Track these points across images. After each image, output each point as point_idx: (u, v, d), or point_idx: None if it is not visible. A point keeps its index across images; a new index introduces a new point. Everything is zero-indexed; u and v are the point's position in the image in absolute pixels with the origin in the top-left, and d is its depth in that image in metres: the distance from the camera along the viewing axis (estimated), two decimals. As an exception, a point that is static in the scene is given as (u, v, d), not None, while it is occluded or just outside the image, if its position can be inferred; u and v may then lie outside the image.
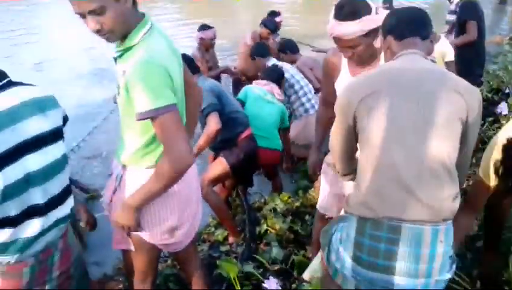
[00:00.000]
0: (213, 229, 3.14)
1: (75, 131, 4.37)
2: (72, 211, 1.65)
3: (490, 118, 4.43)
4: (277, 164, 3.68)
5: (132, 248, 1.79)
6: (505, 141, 1.65)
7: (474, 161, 3.65)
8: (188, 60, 2.83)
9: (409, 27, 1.62)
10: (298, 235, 2.82)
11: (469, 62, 3.78)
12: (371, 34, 1.84)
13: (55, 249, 1.61)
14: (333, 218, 2.05)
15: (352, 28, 1.80)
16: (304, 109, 4.09)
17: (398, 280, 1.46)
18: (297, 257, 2.51)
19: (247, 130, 3.20)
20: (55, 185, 1.55)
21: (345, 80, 2.03)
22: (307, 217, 2.98)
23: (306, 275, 2.30)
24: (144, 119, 1.49)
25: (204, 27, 4.92)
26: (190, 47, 5.30)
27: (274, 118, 3.54)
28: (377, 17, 1.82)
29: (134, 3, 1.55)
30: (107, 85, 6.38)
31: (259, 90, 3.58)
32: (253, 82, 3.79)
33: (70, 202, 1.63)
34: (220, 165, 3.08)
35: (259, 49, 4.48)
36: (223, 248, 2.89)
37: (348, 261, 1.54)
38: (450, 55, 3.57)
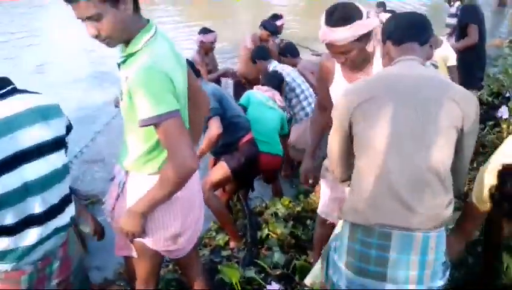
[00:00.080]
0: (214, 233, 3.14)
1: (74, 133, 4.36)
2: (72, 220, 1.65)
3: (490, 121, 4.43)
4: (277, 169, 3.68)
5: (134, 254, 1.79)
6: (499, 167, 1.64)
7: (475, 164, 3.68)
8: (188, 64, 2.83)
9: (407, 32, 1.61)
10: (299, 240, 2.82)
11: (470, 66, 3.78)
12: (363, 38, 1.84)
13: (54, 258, 1.60)
14: (334, 223, 2.05)
15: (344, 34, 1.80)
16: (305, 113, 4.09)
17: (389, 286, 1.46)
18: (299, 262, 2.51)
19: (249, 135, 3.21)
20: (54, 194, 1.54)
21: (339, 84, 2.04)
22: (308, 221, 2.98)
23: (308, 281, 2.30)
24: (146, 125, 1.49)
25: (205, 30, 4.91)
26: (190, 49, 5.30)
27: (276, 124, 3.57)
28: (368, 21, 1.83)
29: (137, 9, 1.55)
30: (107, 88, 6.39)
31: (262, 95, 3.60)
32: (254, 87, 3.80)
33: (70, 211, 1.63)
34: (221, 170, 3.08)
35: (260, 52, 4.48)
36: (225, 253, 2.89)
37: (342, 269, 1.54)
38: (452, 60, 3.57)
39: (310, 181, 2.31)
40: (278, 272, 2.50)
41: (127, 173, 1.70)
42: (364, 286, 1.50)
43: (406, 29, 1.62)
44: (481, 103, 4.82)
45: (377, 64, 1.98)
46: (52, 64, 7.75)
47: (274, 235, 2.88)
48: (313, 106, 4.11)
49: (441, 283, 1.50)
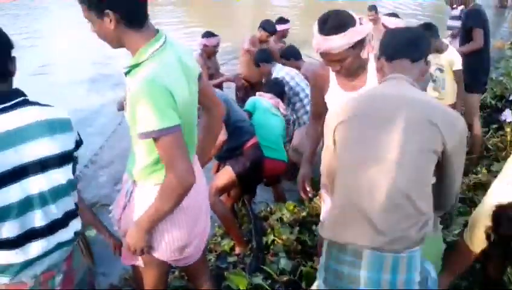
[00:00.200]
0: (219, 239, 3.13)
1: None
2: (76, 235, 1.64)
3: (494, 125, 4.45)
4: (281, 175, 3.67)
5: (141, 263, 1.78)
6: (494, 208, 1.65)
7: (479, 168, 3.68)
8: None
9: (399, 49, 1.62)
10: (306, 246, 2.82)
11: (474, 70, 3.78)
12: (357, 45, 1.84)
13: (58, 271, 1.60)
14: None
15: (339, 42, 1.79)
16: (308, 117, 4.08)
17: None
18: (305, 268, 2.51)
19: (253, 139, 3.21)
20: (58, 209, 1.53)
21: (335, 92, 2.04)
22: (313, 227, 2.97)
23: (315, 287, 2.30)
24: (145, 139, 1.50)
25: (208, 34, 4.90)
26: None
27: (280, 130, 3.60)
28: (361, 28, 1.83)
29: (135, 26, 1.53)
30: (107, 90, 6.38)
31: (267, 102, 3.62)
32: (257, 94, 3.80)
33: (74, 226, 1.62)
34: (226, 174, 3.08)
35: (263, 56, 4.47)
36: (231, 259, 2.88)
37: (322, 286, 1.57)
38: (458, 64, 3.57)
39: (308, 189, 2.28)
40: (285, 278, 2.50)
41: (134, 182, 1.70)
42: None
43: (397, 46, 1.63)
44: (484, 106, 4.83)
45: (371, 71, 1.98)
46: (54, 66, 7.74)
47: (280, 241, 2.88)
48: (317, 109, 4.10)
49: None
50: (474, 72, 3.77)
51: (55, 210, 1.52)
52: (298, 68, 4.43)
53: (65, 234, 1.58)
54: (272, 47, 5.29)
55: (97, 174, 4.15)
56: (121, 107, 3.27)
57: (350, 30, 1.80)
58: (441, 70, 3.68)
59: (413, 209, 1.45)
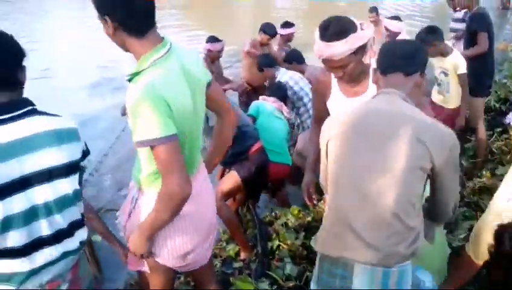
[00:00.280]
0: (224, 244, 3.13)
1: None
2: (82, 245, 1.64)
3: (498, 128, 4.43)
4: (285, 178, 3.67)
5: (147, 269, 1.79)
6: (496, 227, 1.67)
7: (484, 172, 3.67)
8: None
9: (392, 63, 1.62)
10: (311, 251, 2.80)
11: (479, 74, 3.77)
12: (359, 51, 1.84)
13: (63, 281, 1.60)
14: None
15: (341, 48, 1.79)
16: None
17: None
18: (311, 274, 2.49)
19: (258, 143, 3.21)
20: (64, 219, 1.54)
21: (337, 99, 2.05)
22: (319, 232, 2.96)
23: (321, 293, 2.30)
24: (141, 147, 1.50)
25: (213, 39, 4.88)
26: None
27: (285, 134, 3.60)
28: (362, 33, 1.83)
29: (135, 33, 1.54)
30: (109, 94, 6.38)
31: (270, 106, 3.63)
32: (260, 98, 3.80)
33: (80, 236, 1.63)
34: (232, 179, 3.08)
35: (266, 60, 4.47)
36: (236, 264, 2.88)
37: None
38: (463, 68, 3.56)
39: (313, 197, 2.28)
40: (291, 284, 2.50)
41: (139, 189, 1.71)
42: None
43: (391, 60, 1.63)
44: (488, 109, 4.83)
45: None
46: (56, 70, 7.75)
47: (285, 246, 2.87)
48: (320, 114, 4.10)
49: None
50: (479, 76, 3.76)
51: (61, 220, 1.52)
52: (302, 72, 4.43)
53: (71, 244, 1.58)
54: (273, 51, 5.30)
55: (101, 180, 4.15)
56: (125, 112, 3.28)
57: (352, 36, 1.79)
58: (446, 74, 3.67)
59: (402, 225, 1.47)
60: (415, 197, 1.48)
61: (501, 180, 1.90)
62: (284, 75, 4.17)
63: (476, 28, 3.83)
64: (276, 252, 2.90)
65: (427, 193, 1.64)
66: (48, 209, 1.49)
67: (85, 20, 11.00)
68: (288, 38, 5.48)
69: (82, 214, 1.64)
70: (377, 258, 1.47)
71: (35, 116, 1.49)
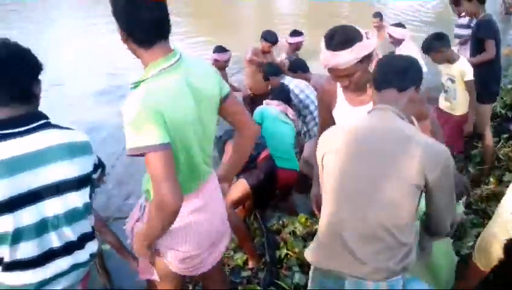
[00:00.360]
0: (232, 252, 3.13)
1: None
2: (92, 257, 1.66)
3: (505, 134, 4.42)
4: (293, 184, 3.67)
5: (156, 277, 1.80)
6: (505, 241, 1.71)
7: (491, 179, 3.66)
8: None
9: (385, 79, 1.63)
10: (319, 260, 2.81)
11: (485, 81, 3.76)
12: (365, 60, 1.85)
13: None
14: None
15: (347, 57, 1.80)
16: (318, 129, 4.09)
17: None
18: (320, 283, 2.50)
19: (265, 151, 3.23)
20: (73, 231, 1.55)
21: (343, 108, 2.05)
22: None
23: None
24: (131, 155, 1.51)
25: (220, 49, 4.88)
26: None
27: (291, 139, 3.59)
28: (368, 42, 1.84)
29: (143, 44, 1.58)
30: (119, 102, 6.39)
31: (275, 110, 3.60)
32: (264, 102, 3.78)
33: (90, 248, 1.64)
34: (241, 187, 3.09)
35: (271, 69, 4.48)
36: (244, 273, 2.87)
37: None
38: (470, 75, 3.56)
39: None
40: (300, 293, 2.50)
41: (147, 197, 1.73)
42: None
43: (385, 76, 1.64)
44: (494, 115, 4.81)
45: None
46: (64, 78, 7.78)
47: (293, 255, 2.87)
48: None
49: None
50: (486, 82, 3.76)
51: (70, 233, 1.54)
52: (307, 80, 4.44)
53: (81, 256, 1.60)
54: (274, 58, 5.32)
55: (109, 189, 4.16)
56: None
57: (357, 45, 1.80)
58: (452, 81, 3.67)
59: (393, 241, 1.48)
60: (407, 213, 1.50)
61: (508, 187, 1.91)
62: (290, 84, 4.17)
63: (483, 35, 3.82)
64: (284, 260, 2.90)
65: (423, 207, 1.65)
66: (58, 222, 1.50)
67: (91, 29, 11.11)
68: (296, 46, 5.47)
69: (92, 227, 1.66)
70: (365, 272, 1.49)
71: (49, 129, 1.51)
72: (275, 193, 3.52)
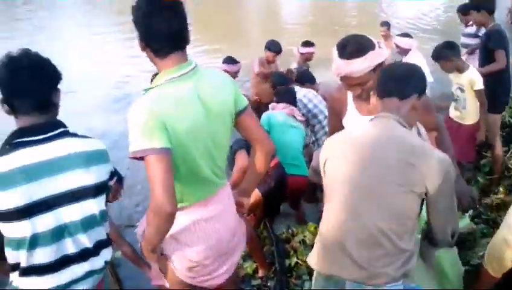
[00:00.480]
0: (241, 261, 3.13)
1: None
2: (107, 264, 1.68)
3: (514, 144, 4.41)
4: (303, 191, 3.65)
5: (166, 284, 1.81)
6: None
7: (500, 188, 3.64)
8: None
9: (387, 87, 1.65)
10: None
11: (494, 91, 3.76)
12: (378, 68, 1.87)
13: None
14: None
15: (361, 65, 1.82)
16: (327, 138, 4.09)
17: None
18: (330, 292, 2.49)
19: (274, 159, 3.23)
20: (89, 238, 1.57)
21: (353, 116, 2.07)
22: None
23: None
24: (133, 158, 1.54)
25: (230, 60, 4.87)
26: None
27: (299, 144, 3.57)
28: (381, 51, 1.86)
29: (158, 54, 1.62)
30: (121, 109, 6.43)
31: (281, 116, 3.56)
32: (270, 106, 3.77)
33: (105, 255, 1.66)
34: (253, 195, 3.08)
35: (279, 79, 4.50)
36: (254, 282, 2.88)
37: None
38: (480, 84, 3.56)
39: None
40: (310, 302, 2.49)
41: None
42: None
43: (386, 85, 1.66)
44: (503, 125, 4.79)
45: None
46: (73, 85, 7.84)
47: (303, 263, 2.87)
48: (335, 130, 4.09)
49: None
50: (495, 92, 3.75)
51: (86, 240, 1.56)
52: (315, 91, 4.44)
53: (96, 263, 1.61)
54: (277, 67, 5.36)
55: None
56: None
57: (371, 53, 1.83)
58: (462, 90, 3.67)
59: (393, 247, 1.50)
60: (407, 220, 1.51)
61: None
62: (298, 93, 4.19)
63: (493, 45, 3.82)
64: (294, 269, 2.90)
65: (424, 217, 1.67)
66: (74, 229, 1.53)
67: (97, 38, 11.20)
68: (306, 57, 5.50)
69: (107, 234, 1.68)
70: (365, 277, 1.51)
71: (67, 137, 1.54)
72: (285, 200, 3.52)
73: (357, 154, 1.56)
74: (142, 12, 1.59)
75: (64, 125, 1.57)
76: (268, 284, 2.83)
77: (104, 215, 1.62)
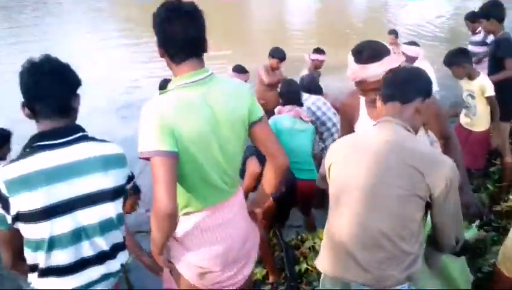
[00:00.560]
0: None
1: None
2: (123, 267, 1.69)
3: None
4: (314, 196, 3.63)
5: (176, 287, 1.81)
6: None
7: (510, 196, 3.64)
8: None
9: (390, 92, 1.67)
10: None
11: (504, 98, 3.76)
12: None
13: None
14: None
15: (377, 70, 1.85)
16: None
17: None
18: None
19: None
20: (106, 241, 1.59)
21: (364, 122, 2.08)
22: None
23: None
24: (141, 159, 1.57)
25: (239, 70, 4.81)
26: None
27: (308, 148, 3.54)
28: (395, 56, 1.88)
29: (174, 60, 1.65)
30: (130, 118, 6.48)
31: (288, 120, 3.51)
32: (276, 110, 3.72)
33: (121, 258, 1.67)
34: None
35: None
36: (265, 288, 2.88)
37: None
38: (490, 90, 3.56)
39: None
40: (321, 308, 2.48)
41: None
42: None
43: (389, 90, 1.68)
44: (512, 133, 4.79)
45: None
46: (86, 89, 7.88)
47: (313, 270, 2.87)
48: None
49: None
50: (504, 100, 3.75)
51: (103, 242, 1.57)
52: None
53: (113, 266, 1.63)
54: (282, 74, 5.38)
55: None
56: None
57: (386, 58, 1.86)
58: (473, 97, 3.67)
59: (396, 249, 1.51)
60: (411, 223, 1.52)
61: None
62: (307, 101, 4.19)
63: (503, 53, 3.81)
64: (304, 275, 2.90)
65: (430, 223, 1.67)
66: (92, 231, 1.54)
67: (103, 43, 11.28)
68: (316, 64, 5.48)
69: (123, 237, 1.69)
70: (369, 279, 1.52)
71: (86, 142, 1.56)
72: (296, 205, 3.51)
73: (360, 158, 1.58)
74: (161, 19, 1.61)
75: (83, 130, 1.60)
76: (279, 290, 2.83)
77: (121, 219, 1.64)
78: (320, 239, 3.18)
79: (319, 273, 2.81)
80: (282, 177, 1.85)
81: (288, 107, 3.61)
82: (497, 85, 3.68)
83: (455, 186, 1.53)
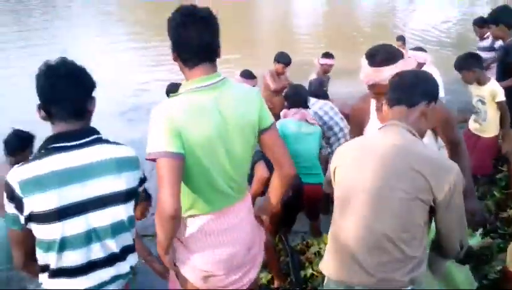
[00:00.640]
0: (257, 271, 3.14)
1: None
2: (132, 269, 1.70)
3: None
4: (320, 200, 3.63)
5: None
6: None
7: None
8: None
9: (396, 96, 1.67)
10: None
11: (511, 105, 3.74)
12: None
13: None
14: None
15: (391, 73, 1.85)
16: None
17: None
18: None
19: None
20: (116, 243, 1.60)
21: (374, 126, 2.08)
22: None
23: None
24: (149, 160, 1.58)
25: (248, 75, 4.69)
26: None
27: (315, 150, 3.54)
28: (409, 60, 1.90)
29: (187, 64, 1.67)
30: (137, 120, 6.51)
31: (293, 124, 3.50)
32: (281, 114, 3.71)
33: (131, 261, 1.68)
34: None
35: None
36: (271, 293, 2.89)
37: None
38: (501, 95, 3.54)
39: None
40: (327, 313, 2.49)
41: None
42: None
43: (395, 93, 1.68)
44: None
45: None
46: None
47: (319, 275, 2.88)
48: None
49: None
50: (511, 107, 3.74)
51: (113, 245, 1.59)
52: None
53: (122, 268, 1.64)
54: (288, 79, 5.39)
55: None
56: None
57: (400, 62, 1.88)
58: (483, 102, 3.65)
59: (399, 253, 1.51)
60: (414, 226, 1.53)
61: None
62: (313, 106, 4.20)
63: None
64: (310, 280, 2.90)
65: (434, 229, 1.67)
66: (103, 233, 1.56)
67: (111, 47, 11.37)
68: (324, 69, 5.48)
69: (133, 239, 1.71)
70: (373, 283, 1.53)
71: (100, 144, 1.59)
72: (302, 209, 3.51)
73: (365, 161, 1.59)
74: (176, 23, 1.63)
75: (97, 132, 1.62)
76: (285, 295, 2.84)
77: (131, 221, 1.66)
78: (326, 244, 3.19)
79: (324, 279, 2.82)
80: (288, 186, 1.86)
81: (293, 110, 3.59)
82: (506, 91, 3.67)
83: (459, 190, 1.53)
